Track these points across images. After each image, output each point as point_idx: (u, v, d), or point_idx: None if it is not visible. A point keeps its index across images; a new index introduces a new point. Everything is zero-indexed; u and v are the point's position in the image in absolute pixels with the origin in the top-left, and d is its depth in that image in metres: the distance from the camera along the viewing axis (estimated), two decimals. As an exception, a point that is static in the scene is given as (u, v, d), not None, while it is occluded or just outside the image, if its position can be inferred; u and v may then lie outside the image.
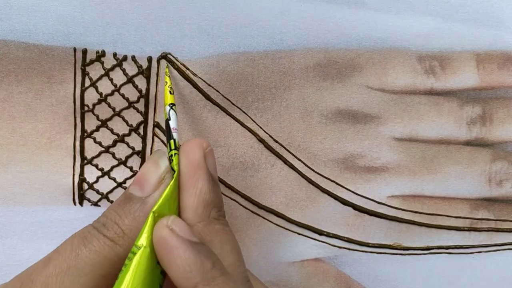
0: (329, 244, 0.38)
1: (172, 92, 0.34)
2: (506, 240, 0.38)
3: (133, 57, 0.37)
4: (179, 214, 0.30)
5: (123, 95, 0.37)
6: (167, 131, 0.32)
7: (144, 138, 0.37)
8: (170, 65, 0.36)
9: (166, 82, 0.35)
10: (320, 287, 0.38)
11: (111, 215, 0.30)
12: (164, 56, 0.37)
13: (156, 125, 0.37)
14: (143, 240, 0.28)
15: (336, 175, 0.37)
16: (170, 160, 0.31)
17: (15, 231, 0.38)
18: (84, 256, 0.28)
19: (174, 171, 0.31)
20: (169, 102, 0.34)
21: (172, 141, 0.32)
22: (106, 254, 0.29)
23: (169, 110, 0.33)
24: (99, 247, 0.29)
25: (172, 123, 0.33)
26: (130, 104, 0.37)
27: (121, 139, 0.37)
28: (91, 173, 0.37)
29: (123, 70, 0.37)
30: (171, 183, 0.30)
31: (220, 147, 0.37)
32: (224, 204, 0.36)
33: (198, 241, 0.28)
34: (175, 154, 0.31)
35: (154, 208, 0.29)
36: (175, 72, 0.37)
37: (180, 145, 0.32)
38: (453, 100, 0.38)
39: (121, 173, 0.37)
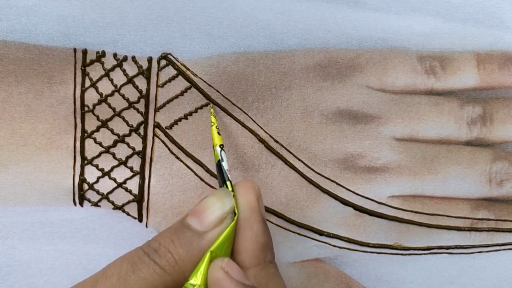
0: (329, 244, 0.38)
1: (220, 133, 0.34)
2: (506, 240, 0.38)
3: (133, 58, 0.37)
4: (232, 256, 0.30)
5: (123, 96, 0.37)
6: (220, 173, 0.32)
7: (144, 139, 0.37)
8: (213, 107, 0.37)
9: (212, 122, 0.35)
10: (320, 287, 0.38)
11: (164, 241, 0.29)
12: (164, 57, 0.37)
13: (156, 125, 0.37)
14: (198, 279, 0.28)
15: (337, 175, 0.37)
16: None
17: (15, 231, 0.38)
18: (132, 283, 0.28)
19: (235, 213, 0.31)
20: (219, 143, 0.34)
21: (228, 183, 0.32)
22: (155, 282, 0.28)
23: (220, 151, 0.33)
24: (148, 274, 0.28)
25: (225, 164, 0.33)
26: (131, 105, 0.37)
27: (121, 139, 0.37)
28: (91, 174, 0.37)
29: (123, 71, 0.37)
30: (232, 224, 0.30)
31: (221, 147, 0.37)
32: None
33: (251, 285, 0.28)
34: (233, 196, 0.31)
35: (213, 248, 0.29)
36: (175, 72, 0.37)
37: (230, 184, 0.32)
38: (454, 100, 0.38)
39: (121, 174, 0.37)
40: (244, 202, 0.31)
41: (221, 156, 0.33)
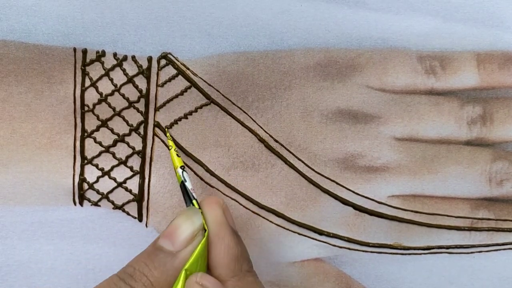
0: (329, 244, 0.38)
1: (179, 155, 0.35)
2: (506, 239, 0.38)
3: (133, 57, 0.37)
4: (208, 272, 0.31)
5: (123, 95, 0.37)
6: (186, 193, 0.33)
7: (144, 138, 0.37)
8: (168, 130, 0.37)
9: (170, 146, 0.35)
10: (320, 287, 0.38)
11: (139, 266, 0.30)
12: (164, 56, 0.37)
13: (157, 124, 0.37)
14: None
15: (337, 175, 0.37)
16: None
17: (15, 231, 0.38)
18: None
19: (205, 230, 0.31)
20: (180, 164, 0.34)
21: (194, 201, 0.33)
22: None
23: (182, 172, 0.34)
24: None
25: (189, 184, 0.34)
26: (130, 104, 0.37)
27: (121, 139, 0.37)
28: (91, 173, 0.37)
29: (123, 70, 0.37)
30: (203, 240, 0.31)
31: (220, 147, 0.37)
32: (224, 204, 0.36)
33: None
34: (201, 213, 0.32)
35: (187, 266, 0.29)
36: (175, 71, 0.37)
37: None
38: (454, 100, 0.39)
39: (121, 173, 0.37)
40: (212, 217, 0.32)
41: (183, 177, 0.34)
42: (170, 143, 0.36)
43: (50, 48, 0.36)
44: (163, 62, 0.37)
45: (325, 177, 0.37)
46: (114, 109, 0.37)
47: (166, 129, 0.37)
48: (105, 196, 0.38)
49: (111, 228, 0.38)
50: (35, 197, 0.37)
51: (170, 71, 0.37)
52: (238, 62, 0.37)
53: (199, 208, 0.32)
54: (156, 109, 0.37)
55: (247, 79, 0.37)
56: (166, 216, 0.38)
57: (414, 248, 0.38)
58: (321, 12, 0.37)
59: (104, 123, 0.37)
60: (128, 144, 0.37)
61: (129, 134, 0.37)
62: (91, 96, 0.37)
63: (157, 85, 0.37)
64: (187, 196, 0.33)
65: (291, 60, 0.37)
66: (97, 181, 0.37)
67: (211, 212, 0.32)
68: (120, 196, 0.38)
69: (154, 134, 0.37)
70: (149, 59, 0.37)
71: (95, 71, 0.37)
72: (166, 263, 0.30)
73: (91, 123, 0.37)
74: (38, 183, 0.37)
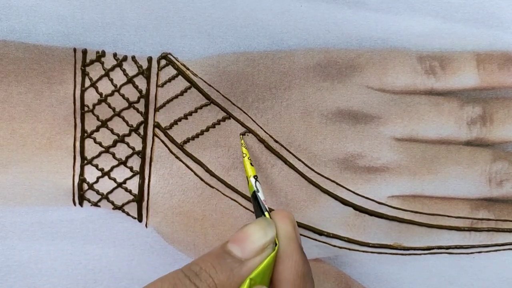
0: (329, 244, 0.38)
1: (252, 164, 0.35)
2: (506, 240, 0.38)
3: (133, 57, 0.37)
4: (271, 286, 0.31)
5: (123, 96, 0.37)
6: (257, 203, 0.33)
7: (144, 139, 0.37)
8: (243, 137, 0.37)
9: (244, 154, 0.35)
10: (320, 287, 0.38)
11: (206, 266, 0.29)
12: (164, 56, 0.37)
13: (156, 125, 0.37)
14: None
15: (337, 175, 0.37)
16: None
17: (15, 231, 0.38)
18: None
19: (275, 243, 0.31)
20: (253, 174, 0.34)
21: (267, 213, 0.32)
22: None
23: (255, 182, 0.34)
24: None
25: (261, 195, 0.33)
26: (130, 104, 0.37)
27: (121, 139, 0.37)
28: (91, 174, 0.37)
29: (123, 71, 0.37)
30: (272, 254, 0.30)
31: (221, 147, 0.37)
32: (224, 204, 0.36)
33: None
34: None
35: (252, 275, 0.29)
36: (175, 72, 0.37)
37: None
38: (454, 100, 0.38)
39: (121, 173, 0.37)
40: (282, 231, 0.31)
41: (256, 187, 0.34)
42: (244, 150, 0.36)
43: (50, 48, 0.36)
44: (163, 62, 0.37)
45: (325, 177, 0.37)
46: (114, 109, 0.37)
47: (241, 136, 0.37)
48: (105, 197, 0.38)
49: (111, 228, 0.38)
50: (35, 197, 0.37)
51: (170, 71, 0.37)
52: (238, 62, 0.37)
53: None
54: (156, 110, 0.37)
55: (247, 80, 0.37)
56: (166, 217, 0.38)
57: (414, 249, 0.38)
58: (321, 12, 0.37)
59: (104, 124, 0.37)
60: (128, 144, 0.37)
61: (129, 135, 0.37)
62: (91, 97, 0.37)
63: (157, 86, 0.37)
64: (258, 207, 0.33)
65: (291, 61, 0.37)
66: (97, 181, 0.37)
67: (282, 226, 0.31)
68: (120, 197, 0.38)
69: (154, 134, 0.37)
70: (149, 60, 0.37)
71: (95, 71, 0.37)
72: (233, 269, 0.29)
73: (91, 123, 0.37)
74: (38, 183, 0.37)
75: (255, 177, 0.34)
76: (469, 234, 0.38)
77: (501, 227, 0.38)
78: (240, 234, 0.30)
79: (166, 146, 0.37)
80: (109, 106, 0.37)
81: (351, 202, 0.37)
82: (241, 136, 0.37)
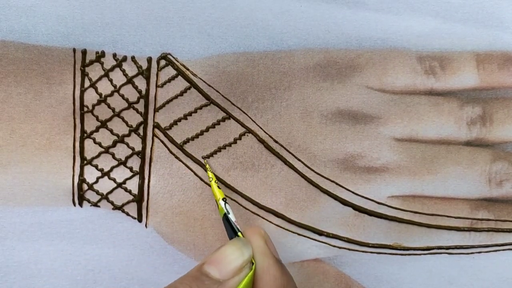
0: (329, 244, 0.38)
1: (219, 187, 0.36)
2: (506, 240, 0.38)
3: (132, 58, 0.37)
4: None
5: (122, 96, 0.37)
6: (229, 226, 0.34)
7: (144, 139, 0.37)
8: (207, 161, 0.37)
9: (211, 178, 0.36)
10: (320, 287, 0.38)
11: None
12: (164, 57, 0.37)
13: (156, 125, 0.37)
14: None
15: (336, 176, 0.37)
16: None
17: (14, 232, 0.38)
18: None
19: (252, 263, 0.32)
20: (221, 196, 0.35)
21: (240, 233, 0.33)
22: None
23: (224, 205, 0.34)
24: None
25: (232, 217, 0.34)
26: (130, 105, 0.37)
27: (121, 139, 0.37)
28: (90, 174, 0.37)
29: (123, 71, 0.37)
30: (250, 273, 0.31)
31: (220, 147, 0.37)
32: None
33: None
34: None
35: None
36: (174, 72, 0.37)
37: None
38: (453, 101, 0.39)
39: (121, 174, 0.37)
40: (255, 248, 0.32)
41: (226, 209, 0.34)
42: (210, 174, 0.36)
43: (49, 48, 0.36)
44: (162, 62, 0.37)
45: (325, 177, 0.37)
46: (113, 110, 0.37)
47: (205, 161, 0.37)
48: (104, 197, 0.38)
49: (111, 228, 0.38)
50: (34, 197, 0.37)
51: (170, 71, 0.37)
52: (237, 62, 0.37)
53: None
54: (156, 110, 0.37)
55: (246, 80, 0.37)
56: (165, 217, 0.38)
57: (414, 249, 0.38)
58: (321, 12, 0.37)
59: (103, 124, 0.37)
60: (127, 144, 0.37)
61: (128, 135, 0.37)
62: (91, 97, 0.37)
63: (157, 86, 0.37)
64: (230, 228, 0.34)
65: (290, 61, 0.37)
66: (96, 181, 0.37)
67: (254, 243, 0.32)
68: (119, 197, 0.38)
69: (154, 134, 0.37)
70: (149, 60, 0.37)
71: (94, 71, 0.37)
72: None
73: (90, 124, 0.37)
74: (38, 183, 0.37)
75: (224, 199, 0.35)
76: (468, 234, 0.38)
77: (501, 227, 0.38)
78: (216, 255, 0.31)
79: (166, 146, 0.37)
80: (109, 106, 0.37)
81: (351, 202, 0.37)
82: (205, 160, 0.37)
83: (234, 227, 0.33)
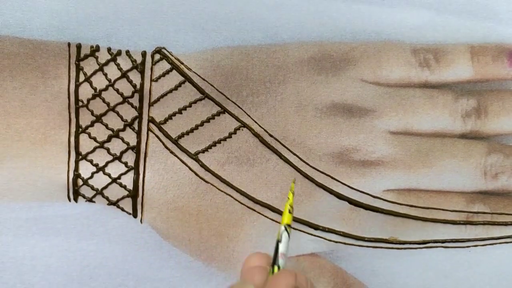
0: (324, 238, 0.38)
1: (291, 211, 0.31)
2: (502, 233, 0.38)
3: (127, 52, 0.37)
4: None
5: (117, 90, 0.37)
6: (274, 254, 0.30)
7: (138, 133, 0.37)
8: (294, 183, 0.33)
9: (288, 198, 0.31)
10: (316, 282, 0.38)
11: None
12: (158, 51, 0.37)
13: (151, 120, 0.37)
14: None
15: (332, 169, 0.37)
16: None
17: (9, 227, 0.38)
18: None
19: None
20: (287, 222, 0.30)
21: (276, 267, 0.29)
22: None
23: (283, 232, 0.30)
24: None
25: (282, 247, 0.30)
26: (125, 99, 0.37)
27: (116, 134, 0.37)
28: (86, 169, 0.37)
29: (118, 65, 0.37)
30: None
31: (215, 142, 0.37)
32: (219, 199, 0.36)
33: None
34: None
35: None
36: (169, 66, 0.37)
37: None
38: (448, 93, 0.38)
39: (115, 169, 0.37)
40: None
41: (281, 236, 0.30)
42: (290, 195, 0.31)
43: (44, 43, 0.36)
44: (157, 57, 0.37)
45: (320, 171, 0.37)
46: (108, 104, 0.37)
47: (293, 182, 0.32)
48: (99, 192, 0.37)
49: (106, 224, 0.38)
50: (29, 193, 0.37)
51: (164, 65, 0.37)
52: (232, 56, 0.37)
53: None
54: (150, 104, 0.37)
55: (241, 74, 0.37)
56: (160, 212, 0.37)
57: (410, 243, 0.38)
58: (315, 5, 0.37)
59: (98, 119, 0.37)
60: (122, 139, 0.37)
61: (123, 130, 0.37)
62: (85, 91, 0.37)
63: (151, 80, 0.37)
64: (274, 257, 0.30)
65: (285, 54, 0.37)
66: (91, 177, 0.37)
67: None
68: (114, 192, 0.37)
69: (149, 129, 0.37)
70: (143, 54, 0.37)
71: (89, 66, 0.37)
72: None
73: (85, 118, 0.37)
74: (33, 179, 0.37)
75: (286, 226, 0.30)
76: (464, 228, 0.38)
77: (497, 221, 0.38)
78: None
79: (161, 140, 0.37)
80: (104, 101, 0.37)
81: (346, 196, 0.37)
82: (293, 179, 0.33)
83: (276, 259, 0.30)
